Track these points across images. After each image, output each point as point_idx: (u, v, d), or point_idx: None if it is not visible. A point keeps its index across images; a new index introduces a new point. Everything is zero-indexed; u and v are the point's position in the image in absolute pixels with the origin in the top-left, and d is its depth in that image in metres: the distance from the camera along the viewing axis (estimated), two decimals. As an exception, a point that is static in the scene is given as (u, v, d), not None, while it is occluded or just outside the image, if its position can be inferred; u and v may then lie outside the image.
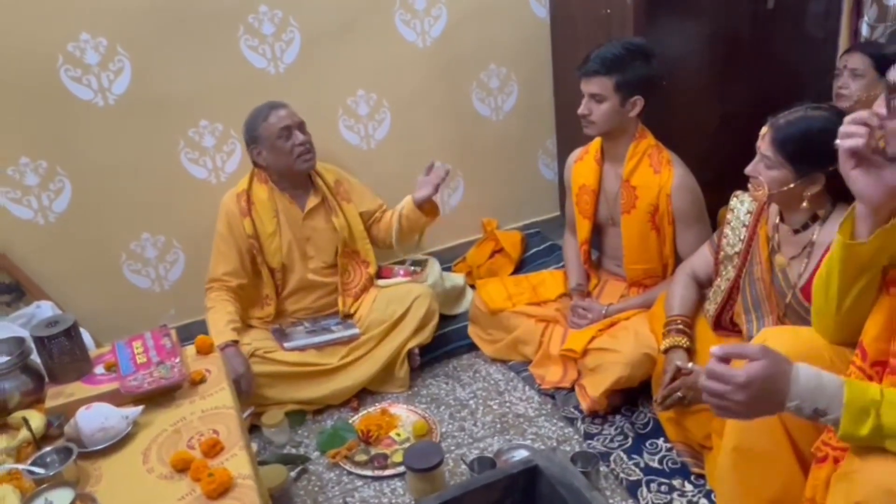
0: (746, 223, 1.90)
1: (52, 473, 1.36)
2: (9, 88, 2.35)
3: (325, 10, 2.67)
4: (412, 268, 2.75)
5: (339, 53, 2.74)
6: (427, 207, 2.49)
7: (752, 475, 1.47)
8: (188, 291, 2.74)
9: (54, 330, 1.62)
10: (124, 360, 1.69)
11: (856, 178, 1.21)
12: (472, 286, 2.84)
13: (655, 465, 2.00)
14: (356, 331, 2.44)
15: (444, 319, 2.64)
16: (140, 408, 1.54)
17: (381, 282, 2.60)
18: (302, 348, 2.39)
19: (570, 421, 2.21)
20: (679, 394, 1.90)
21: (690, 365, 1.90)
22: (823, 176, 1.63)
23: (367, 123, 2.89)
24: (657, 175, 2.25)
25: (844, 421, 1.10)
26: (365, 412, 2.33)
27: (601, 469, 1.97)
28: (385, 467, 2.09)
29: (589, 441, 2.12)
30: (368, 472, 2.08)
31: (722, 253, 1.97)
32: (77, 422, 1.47)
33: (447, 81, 2.96)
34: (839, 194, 1.65)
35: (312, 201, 2.46)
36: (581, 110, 2.23)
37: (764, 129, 1.70)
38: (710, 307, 1.99)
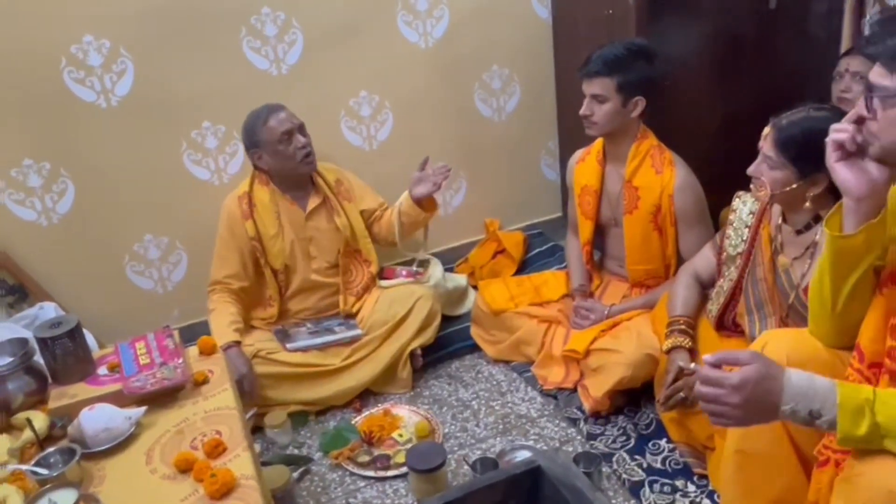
0: (749, 224, 1.90)
1: (55, 474, 1.36)
2: (12, 90, 2.36)
3: (327, 12, 2.67)
4: (414, 268, 2.75)
5: (342, 55, 2.74)
6: (425, 203, 2.49)
7: (754, 477, 1.47)
8: (191, 292, 2.74)
9: (58, 331, 1.63)
10: (127, 361, 1.69)
11: (839, 170, 1.25)
12: (475, 287, 2.84)
13: (658, 465, 2.00)
14: (359, 332, 2.44)
15: (447, 320, 2.64)
16: (143, 408, 1.54)
17: (383, 282, 2.60)
18: (304, 349, 2.39)
19: (573, 421, 2.21)
20: (681, 394, 1.89)
21: (693, 365, 1.87)
22: (826, 176, 1.62)
23: (369, 125, 2.90)
24: (659, 175, 2.25)
25: (841, 422, 1.10)
26: (367, 413, 2.33)
27: (604, 470, 1.97)
28: (388, 468, 2.09)
29: (591, 442, 2.12)
30: (371, 473, 2.08)
31: (724, 254, 1.97)
32: (80, 422, 1.47)
33: (449, 82, 2.96)
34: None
35: (314, 202, 2.47)
36: (583, 111, 2.24)
37: (766, 130, 1.70)
38: (713, 308, 1.99)
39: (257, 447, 2.15)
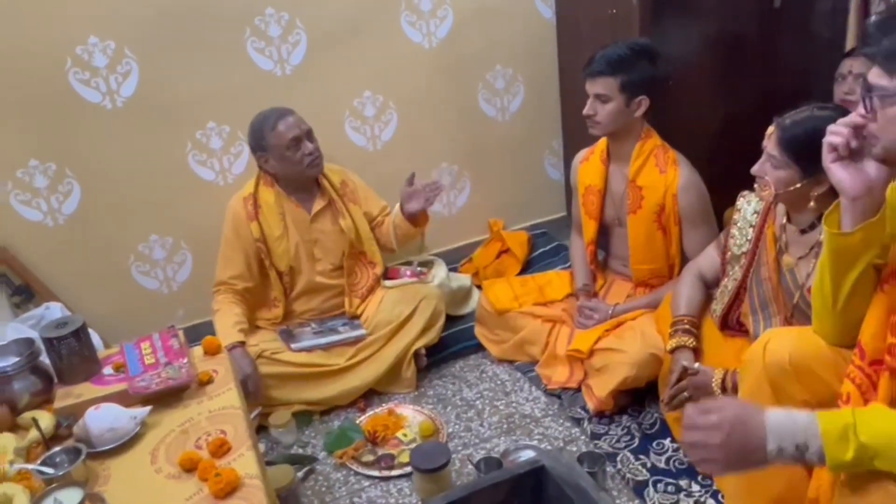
0: (753, 223, 1.90)
1: (61, 473, 1.37)
2: (18, 91, 2.37)
3: (331, 12, 2.68)
4: (419, 268, 2.76)
5: (346, 55, 2.75)
6: (419, 218, 2.48)
7: (756, 475, 1.47)
8: (196, 292, 2.75)
9: (63, 331, 1.64)
10: (132, 360, 1.70)
11: (835, 170, 1.25)
12: (479, 287, 2.84)
13: (662, 465, 2.00)
14: (363, 331, 2.44)
15: (451, 320, 2.64)
16: (148, 408, 1.55)
17: (387, 282, 2.61)
18: (309, 349, 2.40)
19: (577, 421, 2.21)
20: (686, 394, 1.89)
21: (697, 365, 1.90)
22: (830, 176, 1.62)
23: (373, 125, 2.90)
24: (663, 175, 2.25)
25: (828, 450, 1.09)
26: (372, 413, 2.33)
27: (608, 469, 1.97)
28: (392, 468, 2.10)
29: (595, 441, 2.12)
30: (375, 473, 2.09)
31: (729, 253, 1.97)
32: (86, 422, 1.48)
33: (453, 82, 2.96)
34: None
35: (319, 204, 2.47)
36: (586, 111, 2.23)
37: (770, 129, 1.70)
38: (717, 307, 1.99)
39: (262, 447, 2.15)
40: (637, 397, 2.22)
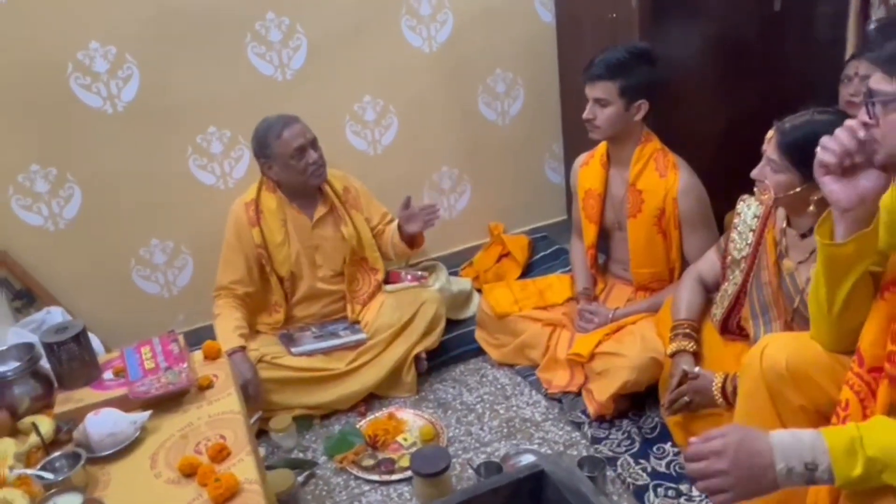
0: (753, 227, 1.90)
1: (60, 478, 1.37)
2: (19, 96, 2.38)
3: (331, 17, 2.68)
4: (419, 272, 2.76)
5: (346, 59, 2.75)
6: (417, 239, 2.50)
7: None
8: (196, 297, 2.75)
9: (64, 336, 1.64)
10: (133, 365, 1.70)
11: (826, 182, 1.25)
12: (479, 290, 2.84)
13: (663, 469, 2.00)
14: (363, 336, 2.44)
15: (451, 324, 2.64)
16: (148, 413, 1.55)
17: (388, 287, 2.61)
18: (309, 353, 2.40)
19: (577, 425, 2.21)
20: (686, 398, 1.89)
21: (697, 369, 1.90)
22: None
23: (373, 129, 2.90)
24: (663, 179, 2.25)
25: (836, 466, 1.09)
26: (372, 417, 2.33)
27: (608, 474, 1.97)
28: (392, 472, 2.09)
29: (596, 445, 2.11)
30: (375, 477, 2.09)
31: (729, 257, 1.97)
32: (86, 427, 1.48)
33: (453, 86, 2.97)
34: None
35: (321, 210, 2.47)
36: (586, 115, 2.24)
37: (770, 133, 1.70)
38: (717, 312, 1.99)
39: (262, 451, 2.15)
40: (637, 401, 2.22)
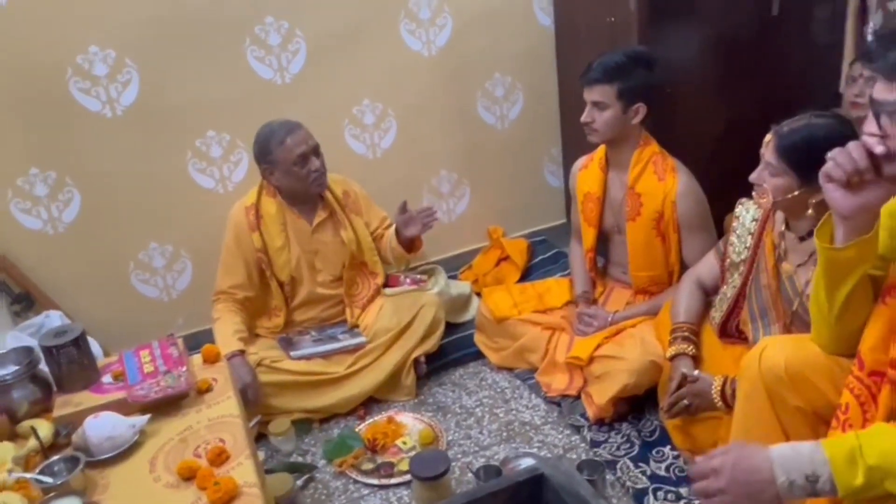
0: (752, 231, 1.90)
1: (59, 482, 1.37)
2: (18, 100, 2.38)
3: (330, 21, 2.69)
4: (418, 276, 2.76)
5: (345, 63, 2.75)
6: (416, 243, 2.50)
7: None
8: (195, 300, 2.75)
9: (63, 339, 1.64)
10: (132, 369, 1.70)
11: (830, 189, 1.24)
12: (479, 294, 2.84)
13: (662, 473, 2.00)
14: (362, 339, 2.44)
15: (451, 327, 2.64)
16: (147, 417, 1.55)
17: (387, 290, 2.61)
18: (308, 357, 2.40)
19: (577, 429, 2.20)
20: (685, 401, 1.89)
21: (696, 372, 1.90)
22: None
23: (372, 132, 2.91)
24: (662, 182, 2.25)
25: (837, 476, 1.08)
26: (371, 420, 2.33)
27: (607, 477, 1.96)
28: (391, 476, 2.09)
29: (595, 449, 2.11)
30: (375, 481, 2.08)
31: (728, 260, 1.97)
32: (85, 431, 1.48)
33: (452, 90, 2.97)
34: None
35: (320, 215, 2.47)
36: (584, 118, 2.24)
37: (768, 137, 1.70)
38: (716, 315, 1.99)
39: (261, 455, 2.15)
40: (636, 405, 2.22)
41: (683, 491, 1.92)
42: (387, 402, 2.43)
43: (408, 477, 2.03)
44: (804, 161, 1.62)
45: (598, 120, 2.22)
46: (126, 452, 1.48)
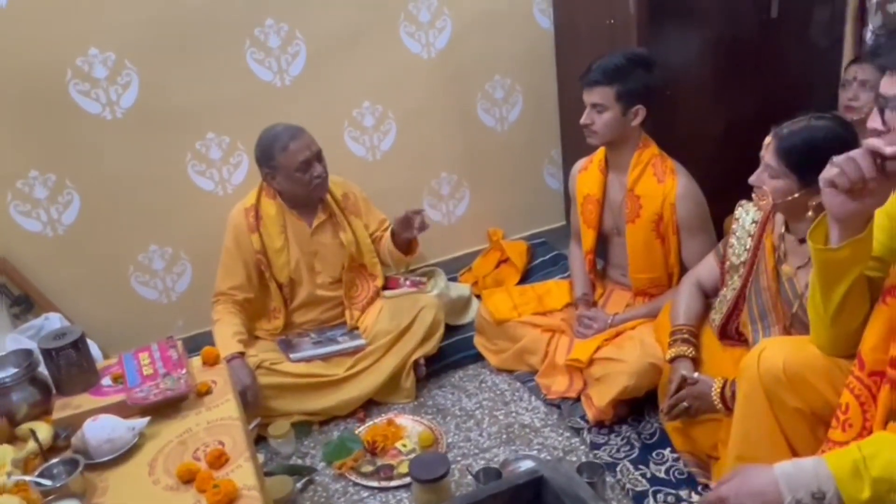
0: (752, 233, 1.90)
1: (58, 485, 1.37)
2: (18, 102, 2.38)
3: (330, 23, 2.69)
4: (418, 278, 2.76)
5: (345, 65, 2.76)
6: (413, 246, 2.52)
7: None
8: (195, 303, 2.75)
9: (62, 342, 1.63)
10: (131, 371, 1.70)
11: (831, 195, 1.22)
12: (478, 296, 2.84)
13: (662, 475, 1.99)
14: (362, 341, 2.44)
15: (450, 330, 2.63)
16: (146, 419, 1.55)
17: (387, 292, 2.61)
18: (308, 359, 2.40)
19: (576, 431, 2.20)
20: (685, 404, 1.89)
21: (696, 375, 1.90)
22: (828, 185, 1.62)
23: (372, 135, 2.91)
24: (661, 184, 2.25)
25: (844, 492, 1.08)
26: (371, 423, 2.33)
27: (607, 479, 1.96)
28: (391, 478, 2.09)
29: (595, 451, 2.11)
30: (374, 483, 2.08)
31: (728, 262, 1.97)
32: (84, 433, 1.47)
33: (452, 92, 2.97)
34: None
35: (320, 217, 2.46)
36: (583, 120, 2.25)
37: (768, 139, 1.70)
38: (716, 317, 1.99)
39: (260, 457, 2.15)
40: (636, 407, 2.22)
41: (683, 493, 1.92)
42: (386, 405, 2.43)
43: (407, 479, 2.02)
44: (804, 163, 1.62)
45: (597, 122, 2.22)
46: (125, 455, 1.48)
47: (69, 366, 1.64)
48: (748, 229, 1.91)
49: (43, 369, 1.66)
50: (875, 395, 1.24)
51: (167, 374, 1.67)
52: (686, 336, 1.99)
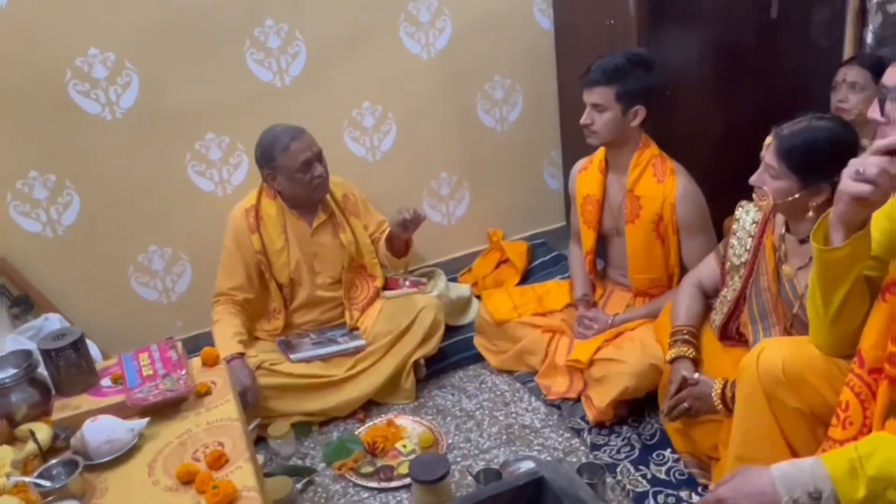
0: (752, 233, 1.90)
1: (58, 486, 1.36)
2: (18, 102, 2.38)
3: (330, 24, 2.68)
4: (418, 279, 2.76)
5: (345, 66, 2.75)
6: (406, 248, 2.53)
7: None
8: (195, 303, 2.75)
9: (61, 343, 1.63)
10: (131, 372, 1.70)
11: (851, 205, 1.20)
12: (478, 297, 2.84)
13: (662, 476, 1.99)
14: (362, 342, 2.44)
15: (450, 330, 2.63)
16: (146, 420, 1.55)
17: (387, 293, 2.61)
18: (308, 360, 2.40)
19: (577, 432, 2.20)
20: (685, 404, 1.89)
21: (696, 375, 1.89)
22: (828, 186, 1.62)
23: (372, 135, 2.91)
24: (661, 185, 2.25)
25: (840, 491, 1.09)
26: (371, 424, 2.32)
27: (608, 480, 1.96)
28: (391, 479, 2.09)
29: (595, 452, 2.11)
30: (374, 484, 2.08)
31: (728, 263, 1.97)
32: (83, 434, 1.47)
33: (452, 93, 2.97)
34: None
35: (320, 217, 2.46)
36: (583, 120, 2.24)
37: (768, 140, 1.70)
38: (717, 318, 1.99)
39: (260, 458, 2.14)
40: (637, 408, 2.22)
41: (683, 494, 1.91)
42: (386, 405, 2.43)
43: (407, 480, 2.02)
44: (804, 164, 1.62)
45: (597, 122, 2.22)
46: (125, 456, 1.48)
47: (69, 366, 1.64)
48: (748, 230, 1.91)
49: (42, 370, 1.66)
50: (875, 392, 1.24)
51: (167, 375, 1.66)
52: (686, 337, 1.98)
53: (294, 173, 2.31)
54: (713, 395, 1.82)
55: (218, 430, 1.55)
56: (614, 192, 2.37)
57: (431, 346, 2.47)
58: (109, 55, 2.44)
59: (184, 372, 1.68)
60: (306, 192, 2.36)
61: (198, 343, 2.51)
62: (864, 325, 1.31)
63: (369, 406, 2.41)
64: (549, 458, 2.11)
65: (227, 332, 2.34)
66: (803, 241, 1.74)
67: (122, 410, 1.57)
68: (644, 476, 2.00)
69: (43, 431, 1.52)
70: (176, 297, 2.82)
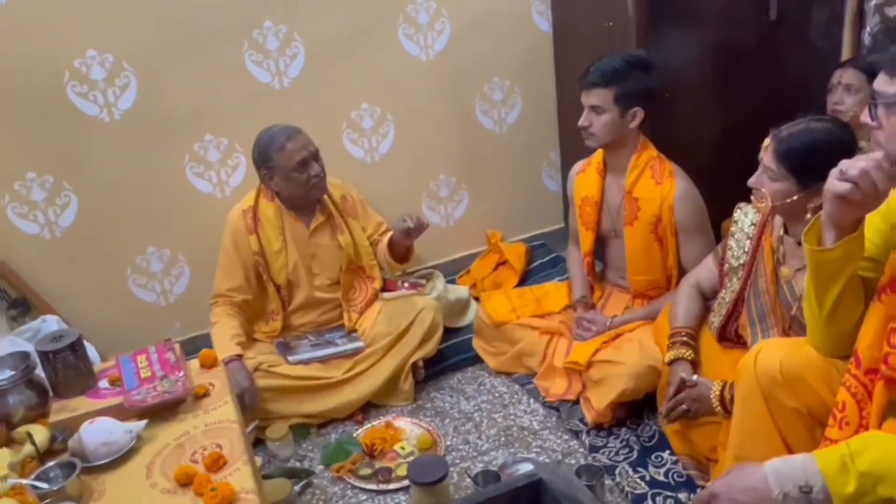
0: (751, 235, 1.90)
1: (55, 488, 1.36)
2: (16, 104, 2.38)
3: (329, 25, 2.68)
4: (416, 280, 2.76)
5: (343, 68, 2.75)
6: (405, 254, 2.53)
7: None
8: (193, 305, 2.75)
9: (59, 344, 1.63)
10: (128, 374, 1.69)
11: (836, 205, 1.22)
12: (477, 298, 2.84)
13: (661, 478, 1.99)
14: (360, 344, 2.44)
15: (449, 332, 2.63)
16: (144, 422, 1.54)
17: (385, 295, 2.60)
18: (306, 362, 2.39)
19: (575, 434, 2.20)
20: (684, 406, 1.89)
21: (695, 377, 1.89)
22: (827, 188, 1.62)
23: (371, 137, 2.91)
24: (659, 186, 2.25)
25: (830, 486, 1.09)
26: (369, 425, 2.32)
27: (606, 482, 1.96)
28: (389, 481, 2.09)
29: (594, 454, 2.11)
30: (372, 486, 2.08)
31: (727, 265, 1.97)
32: (81, 436, 1.47)
33: (451, 95, 2.97)
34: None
35: (318, 219, 2.46)
36: (581, 122, 2.25)
37: (766, 141, 1.70)
38: (715, 319, 1.99)
39: (258, 460, 2.14)
40: (635, 410, 2.21)
41: (682, 496, 1.91)
42: (385, 407, 2.43)
43: (406, 482, 2.02)
44: (803, 166, 1.62)
45: (595, 124, 2.22)
46: (123, 458, 1.47)
47: (66, 368, 1.64)
48: (747, 231, 1.91)
49: (40, 372, 1.65)
50: (871, 392, 1.25)
51: (165, 377, 1.66)
52: (685, 338, 1.99)
53: (290, 173, 2.31)
54: (712, 396, 1.82)
55: (216, 432, 1.54)
56: (612, 193, 2.37)
57: (430, 348, 2.47)
58: (108, 56, 2.44)
59: (182, 374, 1.67)
60: (303, 192, 2.36)
61: (196, 345, 2.50)
62: (859, 326, 1.31)
63: (368, 408, 2.41)
64: (547, 460, 2.11)
65: (225, 334, 2.33)
66: (801, 242, 1.74)
67: (119, 412, 1.57)
68: (643, 478, 1.99)
69: (40, 433, 1.52)
70: (174, 298, 2.82)
